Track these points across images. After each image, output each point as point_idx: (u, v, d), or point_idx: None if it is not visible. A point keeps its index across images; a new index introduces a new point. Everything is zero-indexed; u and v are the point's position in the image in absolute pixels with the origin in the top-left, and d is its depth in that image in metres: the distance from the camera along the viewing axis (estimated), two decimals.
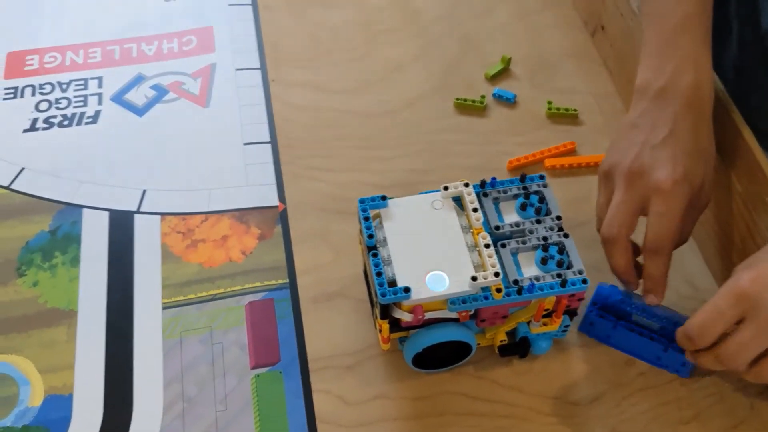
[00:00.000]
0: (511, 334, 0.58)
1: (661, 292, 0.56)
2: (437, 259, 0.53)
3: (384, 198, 0.56)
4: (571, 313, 0.57)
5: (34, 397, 0.56)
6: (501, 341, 0.57)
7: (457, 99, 0.74)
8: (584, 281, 0.53)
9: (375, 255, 0.53)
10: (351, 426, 0.56)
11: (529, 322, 0.57)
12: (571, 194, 0.68)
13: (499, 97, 0.74)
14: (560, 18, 0.82)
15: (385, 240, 0.55)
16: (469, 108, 0.74)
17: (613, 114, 0.74)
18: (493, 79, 0.76)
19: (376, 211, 0.56)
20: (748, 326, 0.49)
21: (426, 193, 0.57)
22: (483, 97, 0.74)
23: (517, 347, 0.58)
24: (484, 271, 0.52)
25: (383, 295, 0.51)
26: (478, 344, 0.58)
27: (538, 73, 0.77)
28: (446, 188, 0.56)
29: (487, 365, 0.59)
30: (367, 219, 0.55)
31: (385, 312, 0.53)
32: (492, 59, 0.78)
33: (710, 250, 0.64)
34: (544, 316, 0.56)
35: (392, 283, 0.52)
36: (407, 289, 0.51)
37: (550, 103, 0.73)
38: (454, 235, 0.55)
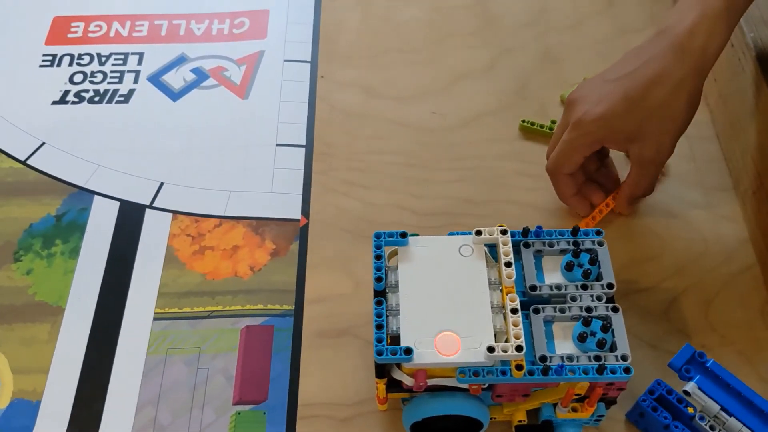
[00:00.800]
0: (533, 412, 0.49)
1: (580, 210, 0.58)
2: (453, 317, 0.45)
3: (404, 235, 0.48)
4: (608, 402, 0.48)
5: (1, 398, 0.52)
6: (519, 421, 0.49)
7: (524, 121, 0.64)
8: (627, 370, 0.44)
9: (380, 303, 0.46)
10: None
11: (555, 404, 0.48)
12: (634, 253, 0.58)
13: None
14: None
15: (396, 285, 0.47)
16: (536, 133, 0.65)
17: (706, 161, 0.63)
18: None
19: (394, 248, 0.48)
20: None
21: (456, 234, 0.49)
22: (554, 122, 0.64)
23: (538, 431, 0.49)
24: (505, 341, 0.44)
25: (380, 353, 0.44)
26: (494, 418, 0.49)
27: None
28: (479, 233, 0.48)
29: None
30: (379, 258, 0.47)
31: (382, 371, 0.45)
32: (574, 80, 0.68)
33: None
34: (574, 401, 0.47)
35: (395, 338, 0.45)
36: (409, 351, 0.43)
37: None
38: (479, 291, 0.46)
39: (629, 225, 0.60)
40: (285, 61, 0.69)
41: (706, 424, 0.47)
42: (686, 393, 0.48)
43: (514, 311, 0.45)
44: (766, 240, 0.57)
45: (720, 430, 0.47)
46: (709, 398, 0.48)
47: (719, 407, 0.47)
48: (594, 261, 0.48)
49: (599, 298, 0.47)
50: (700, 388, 0.48)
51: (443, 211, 0.60)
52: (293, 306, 0.56)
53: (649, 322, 0.55)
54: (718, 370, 0.48)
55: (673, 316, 0.55)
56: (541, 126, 0.64)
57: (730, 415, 0.47)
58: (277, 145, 0.64)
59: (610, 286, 0.47)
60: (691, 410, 0.49)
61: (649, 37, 0.54)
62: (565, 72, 0.69)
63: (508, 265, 0.47)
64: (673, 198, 0.61)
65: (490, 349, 0.43)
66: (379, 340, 0.44)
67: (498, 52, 0.70)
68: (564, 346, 0.46)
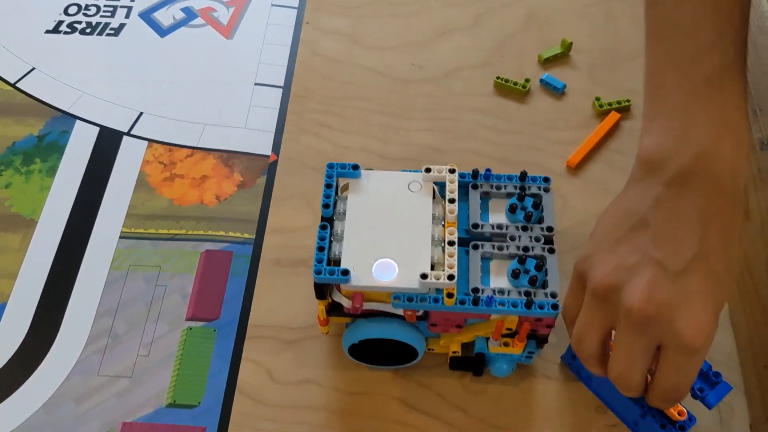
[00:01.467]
0: (468, 346, 0.51)
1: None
2: (394, 246, 0.47)
3: (356, 167, 0.50)
4: (539, 339, 0.49)
5: None
6: (453, 352, 0.50)
7: (498, 78, 0.66)
8: (554, 306, 0.45)
9: (324, 228, 0.47)
10: (270, 405, 0.51)
11: (488, 339, 0.49)
12: (596, 210, 0.59)
13: (546, 84, 0.66)
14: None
15: (344, 213, 0.49)
16: (509, 91, 0.66)
17: None
18: (547, 63, 0.67)
19: (347, 180, 0.50)
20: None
21: (408, 171, 0.51)
22: (527, 81, 0.66)
23: (470, 363, 0.51)
24: (440, 270, 0.46)
25: (318, 272, 0.46)
26: (431, 349, 0.51)
27: (599, 66, 0.67)
28: (428, 170, 0.49)
29: (436, 375, 0.52)
30: (329, 186, 0.49)
31: (321, 292, 0.47)
32: (553, 41, 0.69)
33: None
34: (506, 336, 0.49)
35: (337, 263, 0.47)
36: (346, 272, 0.45)
37: (598, 99, 0.64)
38: (422, 224, 0.48)
39: (597, 184, 0.61)
40: (272, 5, 0.71)
41: None
42: None
43: (450, 243, 0.46)
44: None
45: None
46: None
47: None
48: (537, 205, 0.49)
49: (537, 240, 0.48)
50: None
51: (409, 157, 0.62)
52: (254, 235, 0.58)
53: None
54: None
55: None
56: (515, 83, 0.65)
57: None
58: (256, 84, 0.66)
59: (549, 229, 0.49)
60: None
61: (665, 179, 0.40)
62: (546, 33, 0.70)
63: (451, 201, 0.48)
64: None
65: (424, 276, 0.45)
66: (319, 261, 0.46)
67: (483, 10, 0.72)
68: (498, 281, 0.48)
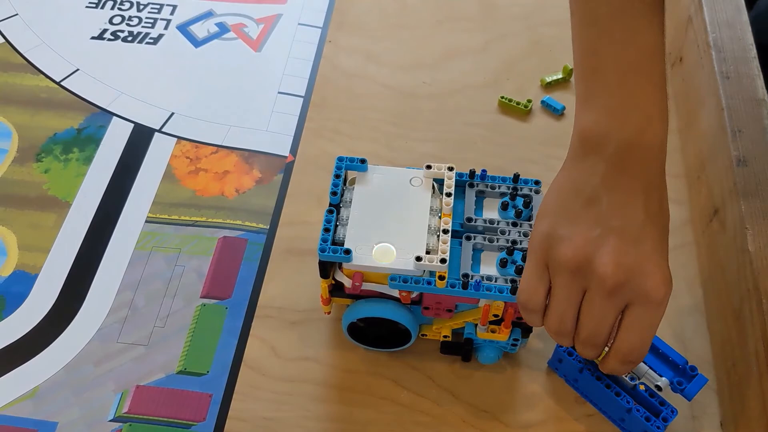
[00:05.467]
0: (459, 333, 0.55)
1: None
2: (393, 233, 0.52)
3: (363, 161, 0.55)
4: (524, 328, 0.53)
5: (5, 267, 0.60)
6: (444, 336, 0.55)
7: (502, 97, 0.71)
8: None
9: (331, 212, 0.52)
10: (272, 378, 0.55)
11: (476, 325, 0.53)
12: None
13: (546, 106, 0.71)
14: None
15: (350, 202, 0.53)
16: (512, 109, 0.71)
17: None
18: (549, 87, 0.72)
19: (354, 173, 0.55)
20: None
21: (411, 168, 0.56)
22: (529, 101, 0.71)
23: (459, 348, 0.55)
24: (434, 255, 0.50)
25: (323, 251, 0.50)
26: (424, 335, 0.55)
27: None
28: (429, 167, 0.54)
29: (427, 359, 0.56)
30: (338, 177, 0.54)
31: (324, 270, 0.52)
32: (555, 68, 0.74)
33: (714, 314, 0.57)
34: (493, 323, 0.53)
35: (340, 244, 0.51)
36: (348, 251, 0.50)
37: None
38: (420, 215, 0.52)
39: None
40: (299, 24, 0.77)
41: None
42: None
43: (445, 231, 0.51)
44: (702, 220, 0.62)
45: (629, 373, 0.52)
46: None
47: None
48: (528, 204, 0.54)
49: (526, 235, 0.53)
50: None
51: (413, 163, 0.66)
52: (268, 225, 0.63)
53: None
54: None
55: None
56: (518, 103, 0.71)
57: None
58: (279, 92, 0.72)
59: None
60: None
61: (608, 155, 0.44)
62: (549, 60, 0.75)
63: (448, 195, 0.53)
64: None
65: (418, 259, 0.49)
66: (324, 241, 0.51)
67: (492, 37, 0.77)
68: (487, 270, 0.52)
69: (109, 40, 0.76)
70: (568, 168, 0.47)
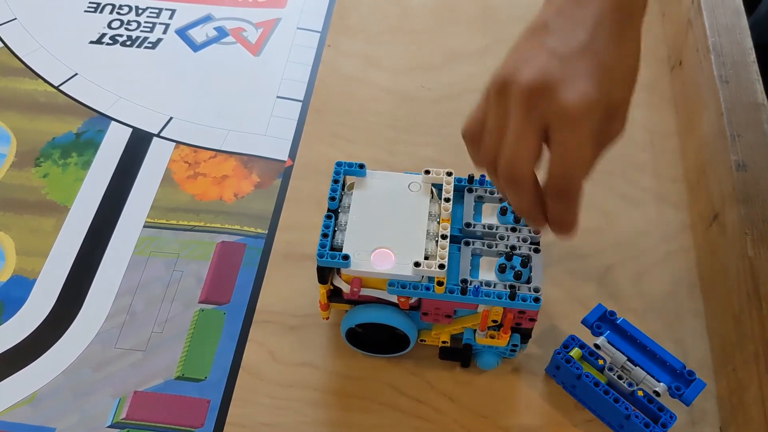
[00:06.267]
0: (457, 339, 0.55)
1: (572, 232, 0.45)
2: (392, 238, 0.51)
3: (362, 166, 0.54)
4: (523, 333, 0.53)
5: (3, 272, 0.60)
6: (443, 342, 0.54)
7: None
8: (536, 300, 0.49)
9: (330, 217, 0.52)
10: (271, 383, 0.55)
11: (475, 330, 0.53)
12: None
13: None
14: (645, 45, 0.76)
15: (348, 207, 0.53)
16: None
17: (665, 153, 0.68)
18: None
19: (353, 178, 0.55)
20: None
21: (409, 173, 0.56)
22: None
23: (458, 353, 0.54)
24: (432, 261, 0.50)
25: (321, 256, 0.50)
26: (423, 341, 0.55)
27: None
28: (428, 172, 0.54)
29: (427, 365, 0.56)
30: (336, 182, 0.54)
31: (323, 275, 0.52)
32: None
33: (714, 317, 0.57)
34: (491, 328, 0.53)
35: (338, 249, 0.51)
36: (346, 257, 0.50)
37: None
38: (419, 220, 0.52)
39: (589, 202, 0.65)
40: (298, 28, 0.77)
41: (614, 374, 0.52)
42: (597, 347, 0.53)
43: (443, 237, 0.51)
44: (702, 224, 0.62)
45: (626, 378, 0.52)
46: (617, 350, 0.52)
47: (626, 358, 0.52)
48: None
49: (525, 240, 0.52)
50: (609, 342, 0.53)
51: (413, 167, 0.66)
52: (266, 230, 0.63)
53: (583, 286, 0.60)
54: (626, 326, 0.53)
55: (606, 282, 0.60)
56: None
57: (635, 365, 0.52)
58: (278, 97, 0.72)
59: (536, 231, 0.53)
60: (601, 362, 0.54)
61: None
62: None
63: (447, 200, 0.53)
64: (628, 182, 0.66)
65: (417, 264, 0.49)
66: (322, 246, 0.51)
67: (492, 40, 0.77)
68: (486, 275, 0.52)
69: (108, 44, 0.76)
70: (540, 11, 0.46)
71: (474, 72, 0.74)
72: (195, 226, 0.63)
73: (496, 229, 0.53)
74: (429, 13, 0.79)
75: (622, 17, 0.43)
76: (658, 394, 0.51)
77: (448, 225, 0.51)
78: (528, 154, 0.42)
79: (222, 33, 0.77)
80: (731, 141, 0.58)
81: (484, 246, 0.52)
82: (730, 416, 0.52)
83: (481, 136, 0.45)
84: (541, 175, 0.43)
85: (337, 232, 0.52)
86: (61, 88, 0.72)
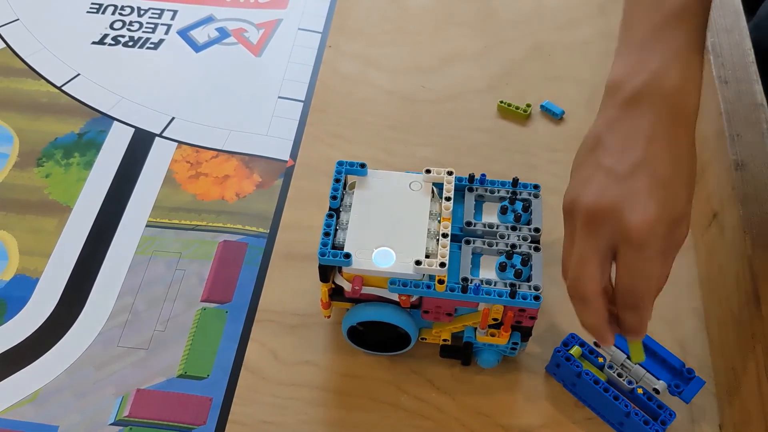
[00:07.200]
0: (458, 337, 0.55)
1: (641, 335, 0.47)
2: (393, 237, 0.52)
3: (363, 166, 0.55)
4: (523, 332, 0.53)
5: (6, 272, 0.60)
6: (444, 340, 0.55)
7: (501, 102, 0.71)
8: (536, 298, 0.50)
9: (331, 216, 0.52)
10: (272, 382, 0.55)
11: (476, 329, 0.53)
12: None
13: (546, 110, 0.71)
14: None
15: (350, 206, 0.53)
16: (511, 114, 0.71)
17: None
18: (546, 91, 0.73)
19: (354, 178, 0.55)
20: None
21: (411, 173, 0.56)
22: (529, 106, 0.71)
23: (459, 351, 0.55)
24: (433, 259, 0.50)
25: (323, 255, 0.50)
26: (423, 339, 0.55)
27: (596, 96, 0.72)
28: (428, 171, 0.54)
29: (427, 363, 0.56)
30: (338, 181, 0.54)
31: (324, 274, 0.52)
32: (555, 73, 0.74)
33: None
34: (492, 326, 0.53)
35: (340, 248, 0.51)
36: (348, 255, 0.50)
37: None
38: (420, 219, 0.53)
39: None
40: (299, 29, 0.78)
41: (614, 372, 0.53)
42: (597, 345, 0.54)
43: (444, 235, 0.51)
44: (701, 224, 0.62)
45: (626, 376, 0.53)
46: (617, 348, 0.53)
47: (625, 356, 0.52)
48: (527, 208, 0.54)
49: (525, 239, 0.53)
50: None
51: (413, 167, 0.66)
52: (268, 230, 0.63)
53: None
54: None
55: None
56: (517, 107, 0.71)
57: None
58: (279, 97, 0.72)
59: (536, 230, 0.53)
60: (600, 360, 0.54)
61: (619, 102, 0.45)
62: (548, 65, 0.75)
63: (447, 199, 0.53)
64: None
65: (418, 263, 0.50)
66: (324, 245, 0.51)
67: (492, 42, 0.77)
68: (487, 274, 0.52)
69: (110, 45, 0.76)
70: (594, 122, 0.48)
71: (473, 73, 0.75)
72: (197, 225, 0.63)
73: (497, 228, 0.53)
74: (428, 15, 0.80)
75: (675, 123, 0.44)
76: (657, 391, 0.51)
77: (449, 224, 0.52)
78: (592, 274, 0.44)
79: (224, 33, 0.77)
80: (730, 141, 0.59)
81: (484, 245, 0.53)
82: (729, 414, 0.53)
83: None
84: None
85: (339, 231, 0.52)
86: (63, 88, 0.72)
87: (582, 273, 0.44)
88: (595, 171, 0.44)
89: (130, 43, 0.76)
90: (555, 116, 0.71)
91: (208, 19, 0.78)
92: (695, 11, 0.46)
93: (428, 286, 0.50)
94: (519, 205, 0.54)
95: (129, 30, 0.77)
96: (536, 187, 0.55)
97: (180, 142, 0.68)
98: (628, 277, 0.44)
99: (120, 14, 0.79)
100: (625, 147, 0.44)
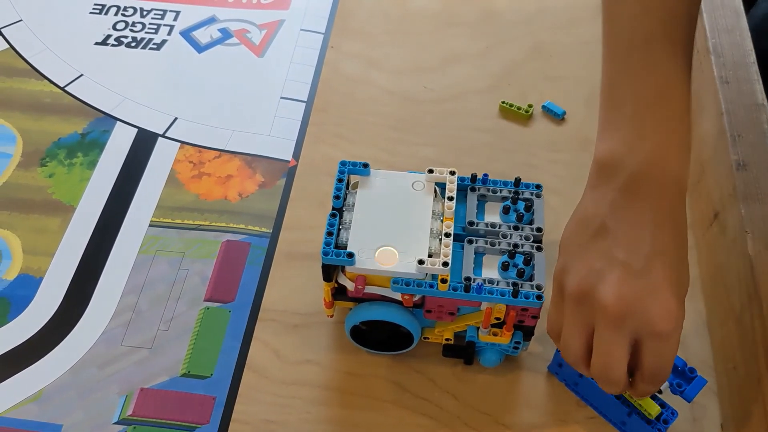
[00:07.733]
0: (461, 336, 0.55)
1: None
2: (396, 236, 0.52)
3: (366, 166, 0.55)
4: (525, 331, 0.53)
5: (10, 271, 0.60)
6: (446, 339, 0.55)
7: (503, 102, 0.71)
8: (539, 297, 0.50)
9: (334, 216, 0.53)
10: (275, 381, 0.55)
11: (478, 328, 0.54)
12: None
13: (547, 110, 0.71)
14: None
15: (352, 206, 0.54)
16: (513, 114, 0.71)
17: None
18: (546, 92, 0.73)
19: (357, 177, 0.55)
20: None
21: (413, 172, 0.56)
22: (530, 106, 0.71)
23: (461, 351, 0.55)
24: (436, 259, 0.50)
25: (326, 254, 0.51)
26: (426, 338, 0.55)
27: (597, 97, 0.73)
28: (431, 171, 0.55)
29: (430, 362, 0.56)
30: (341, 180, 0.54)
31: (327, 273, 0.52)
32: (556, 73, 0.74)
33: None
34: (494, 326, 0.53)
35: (343, 248, 0.52)
36: (351, 255, 0.50)
37: None
38: (422, 219, 0.53)
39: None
40: (301, 30, 0.78)
41: None
42: None
43: (447, 235, 0.51)
44: (703, 224, 0.62)
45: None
46: None
47: None
48: (529, 208, 0.54)
49: (527, 238, 0.53)
50: None
51: (415, 167, 0.67)
52: (271, 230, 0.63)
53: None
54: None
55: None
56: (519, 108, 0.71)
57: None
58: (281, 97, 0.72)
59: (539, 229, 0.53)
60: None
61: (620, 184, 0.44)
62: (549, 66, 0.75)
63: (450, 198, 0.53)
64: None
65: (421, 262, 0.50)
66: (327, 244, 0.51)
67: (493, 42, 0.78)
68: (489, 273, 0.52)
69: (113, 45, 0.76)
70: (584, 197, 0.48)
71: (474, 73, 0.75)
72: (200, 225, 0.63)
73: (499, 228, 0.54)
74: (430, 16, 0.80)
75: (675, 204, 0.45)
76: (659, 390, 0.51)
77: (452, 223, 0.52)
78: (620, 361, 0.45)
79: (226, 34, 0.77)
80: (731, 141, 0.59)
81: (487, 244, 0.53)
82: (731, 414, 0.53)
83: (562, 332, 0.48)
84: None
85: (342, 231, 0.52)
86: (66, 88, 0.72)
87: (611, 362, 0.45)
88: (610, 265, 0.44)
89: (133, 44, 0.76)
90: (556, 117, 0.71)
91: (211, 20, 0.79)
92: (684, 79, 0.46)
93: (431, 286, 0.50)
94: (521, 205, 0.54)
95: (132, 31, 0.78)
96: (538, 186, 0.56)
97: (183, 142, 0.69)
98: (657, 363, 0.45)
99: (123, 15, 0.79)
100: (636, 239, 0.44)
